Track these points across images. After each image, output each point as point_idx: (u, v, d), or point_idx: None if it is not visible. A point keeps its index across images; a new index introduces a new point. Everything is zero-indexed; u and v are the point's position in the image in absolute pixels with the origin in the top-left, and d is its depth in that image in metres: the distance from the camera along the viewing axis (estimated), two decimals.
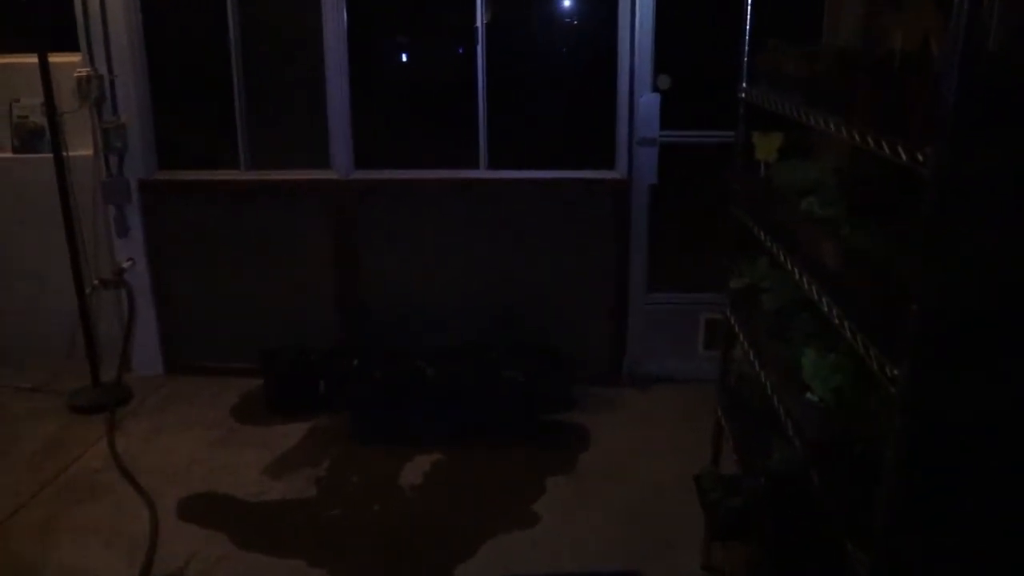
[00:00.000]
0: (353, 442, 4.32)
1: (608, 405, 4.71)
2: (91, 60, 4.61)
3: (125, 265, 4.87)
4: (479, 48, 4.56)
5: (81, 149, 4.72)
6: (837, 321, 1.93)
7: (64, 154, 4.55)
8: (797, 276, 2.23)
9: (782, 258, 2.39)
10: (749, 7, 2.94)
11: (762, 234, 2.62)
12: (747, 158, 2.96)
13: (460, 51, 4.75)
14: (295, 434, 4.41)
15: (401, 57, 5.03)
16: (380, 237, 4.83)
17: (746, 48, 3.00)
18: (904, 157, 1.63)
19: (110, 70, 4.63)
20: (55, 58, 4.46)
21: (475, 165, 4.72)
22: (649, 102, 4.51)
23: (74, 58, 4.66)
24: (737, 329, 2.96)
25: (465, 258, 4.82)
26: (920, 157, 1.56)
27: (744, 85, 3.02)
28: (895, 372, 1.63)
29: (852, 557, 1.83)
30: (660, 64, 4.53)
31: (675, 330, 4.84)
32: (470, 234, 4.79)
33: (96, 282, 4.84)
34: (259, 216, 4.87)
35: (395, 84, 4.98)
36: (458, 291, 4.84)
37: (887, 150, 1.70)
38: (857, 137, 1.86)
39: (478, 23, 4.54)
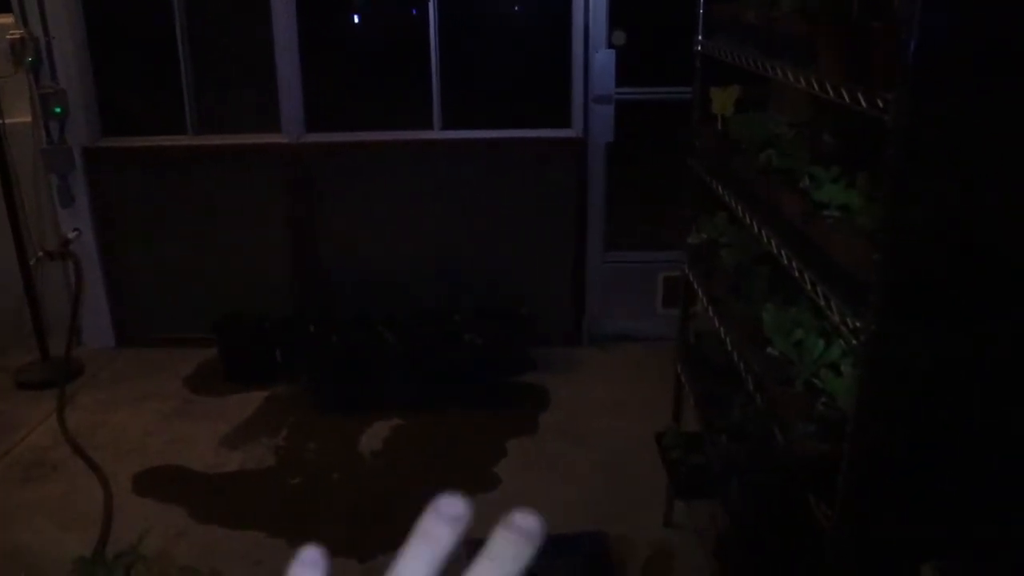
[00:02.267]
0: (311, 410, 4.27)
1: (568, 365, 4.70)
2: (24, 21, 4.41)
3: (71, 236, 4.72)
4: (431, 6, 4.45)
5: (19, 115, 4.54)
6: (798, 274, 1.90)
7: (0, 121, 4.37)
8: (756, 230, 2.20)
9: (741, 212, 2.36)
10: None
11: (720, 188, 2.58)
12: (704, 113, 2.92)
13: (414, 12, 4.63)
14: (252, 404, 4.33)
15: (353, 18, 4.90)
16: (335, 201, 4.73)
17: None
18: (865, 104, 1.60)
19: (45, 32, 4.44)
20: None
21: (429, 126, 4.63)
22: (604, 59, 4.44)
23: (6, 19, 4.46)
24: (696, 285, 2.93)
25: (422, 220, 4.75)
26: (881, 103, 1.52)
27: (700, 38, 2.96)
28: (857, 324, 1.61)
29: (816, 511, 1.82)
30: (615, 20, 4.46)
31: (634, 289, 4.83)
32: (426, 195, 4.72)
33: (40, 254, 4.68)
34: (209, 182, 4.74)
35: (347, 46, 4.87)
36: (416, 254, 4.77)
37: (847, 98, 1.66)
38: (816, 86, 1.83)
39: None
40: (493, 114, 4.69)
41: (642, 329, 4.81)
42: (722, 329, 2.55)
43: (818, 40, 1.86)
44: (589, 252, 4.76)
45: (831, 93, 1.74)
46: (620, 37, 4.47)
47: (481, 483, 3.68)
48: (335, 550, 3.22)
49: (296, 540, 3.28)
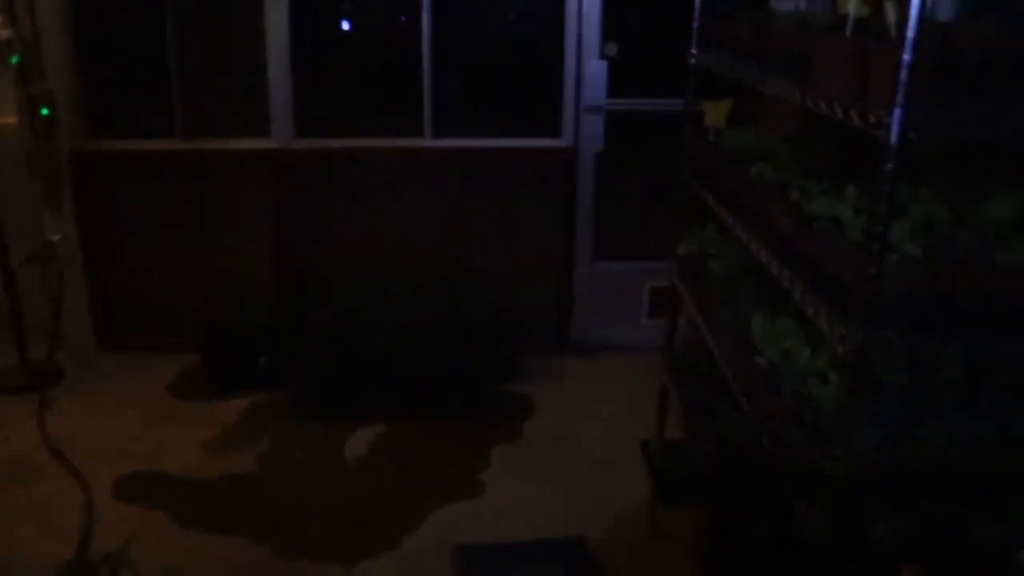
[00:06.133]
0: (296, 417, 4.25)
1: (554, 374, 4.71)
2: (13, 20, 4.38)
3: (55, 239, 4.68)
4: (424, 14, 4.46)
5: (5, 116, 4.51)
6: (787, 284, 1.93)
7: None
8: (746, 240, 2.23)
9: (731, 224, 2.39)
10: None
11: (711, 200, 2.61)
12: (696, 125, 2.95)
13: (403, 19, 4.65)
14: (235, 410, 4.31)
15: (344, 25, 4.91)
16: (323, 207, 4.73)
17: (697, 15, 2.99)
18: (861, 121, 1.63)
19: (34, 32, 4.41)
20: None
21: (420, 134, 4.64)
22: (596, 69, 4.48)
23: None
24: (684, 295, 2.96)
25: (411, 228, 4.75)
26: (874, 120, 1.55)
27: (695, 52, 3.00)
28: (843, 332, 1.64)
29: (801, 518, 1.84)
30: (608, 31, 4.49)
31: (621, 298, 4.85)
32: (416, 203, 4.72)
33: (23, 257, 4.64)
34: (197, 187, 4.72)
35: (339, 52, 4.87)
36: (404, 261, 4.76)
37: (843, 114, 1.69)
38: (812, 102, 1.86)
39: None
40: (484, 122, 4.71)
41: (628, 338, 4.83)
42: (710, 338, 2.57)
43: (814, 57, 1.90)
44: (577, 261, 4.78)
45: (826, 109, 1.78)
46: (612, 48, 4.51)
47: (466, 489, 3.68)
48: (320, 556, 3.22)
49: (281, 546, 3.29)
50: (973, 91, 1.65)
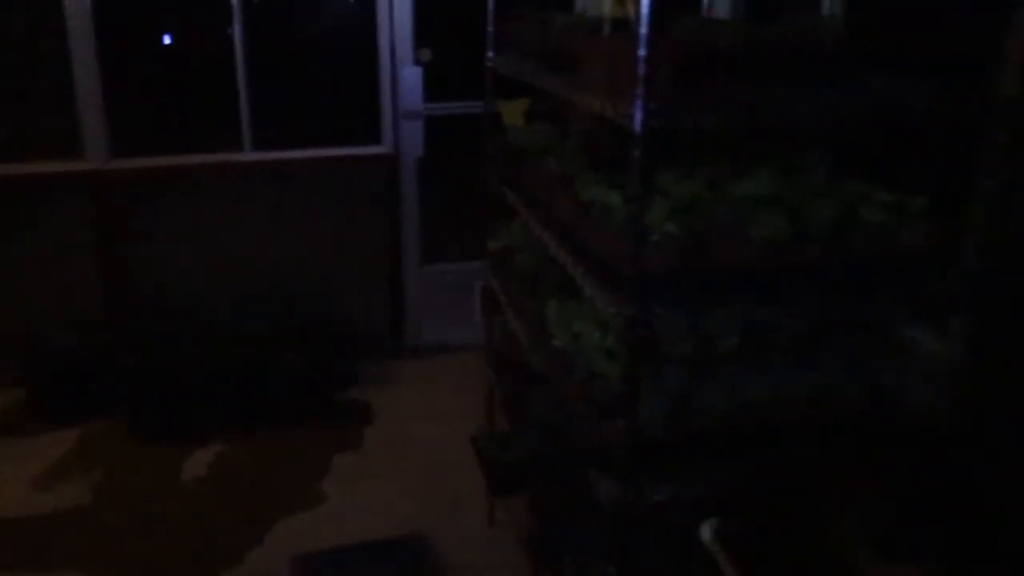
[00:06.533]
0: (130, 443, 4.13)
1: (391, 378, 4.76)
2: None
3: None
4: (236, 26, 4.42)
5: None
6: (570, 269, 2.05)
7: None
8: (538, 232, 2.35)
9: (527, 217, 2.51)
10: None
11: (511, 196, 2.73)
12: (497, 125, 3.06)
13: (230, 31, 4.58)
14: (66, 441, 4.14)
15: (163, 39, 4.79)
16: (147, 227, 4.60)
17: (491, 18, 3.10)
18: (615, 114, 1.76)
19: None
20: None
21: (240, 148, 4.59)
22: (411, 75, 4.55)
23: None
24: (497, 290, 3.07)
25: (239, 242, 4.69)
26: (624, 112, 1.69)
27: (490, 54, 3.11)
28: (614, 310, 1.77)
29: (595, 484, 1.97)
30: (421, 37, 4.58)
31: (452, 300, 4.94)
32: (241, 217, 4.66)
33: None
34: (9, 213, 4.48)
35: (157, 66, 4.75)
36: (235, 277, 4.69)
37: (600, 108, 1.82)
38: (577, 99, 1.99)
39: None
40: (305, 133, 4.70)
41: (462, 339, 4.92)
42: (519, 329, 2.69)
43: (579, 56, 2.03)
44: (406, 265, 4.84)
45: (589, 103, 1.90)
46: (426, 54, 4.60)
47: (308, 499, 3.68)
48: None
49: (118, 574, 3.19)
50: (715, 83, 1.82)
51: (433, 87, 4.65)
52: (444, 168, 4.84)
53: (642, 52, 1.60)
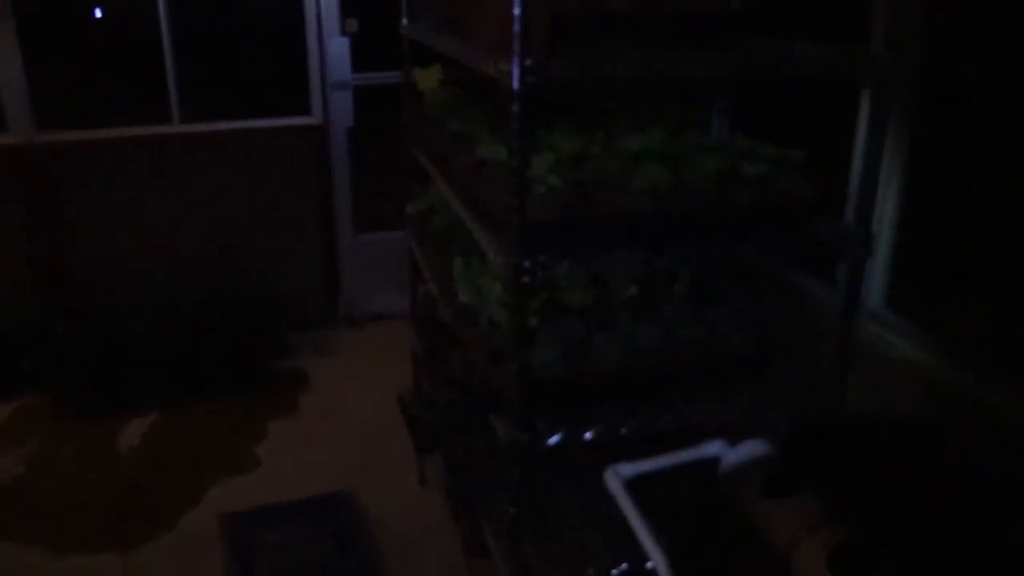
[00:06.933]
0: (64, 417, 4.15)
1: (326, 347, 4.82)
2: None
3: None
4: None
5: None
6: (470, 225, 2.14)
7: None
8: (444, 191, 2.42)
9: (436, 177, 2.58)
10: None
11: (422, 158, 2.80)
12: (413, 91, 3.12)
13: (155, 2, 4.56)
14: None
15: (95, 13, 4.76)
16: (76, 202, 4.58)
17: None
18: (495, 72, 1.84)
19: None
20: None
21: (169, 120, 4.60)
22: (338, 46, 4.58)
23: None
24: (416, 252, 3.15)
25: (172, 215, 4.69)
26: (502, 69, 1.77)
27: (404, 22, 3.17)
28: (502, 260, 1.86)
29: (496, 428, 2.06)
30: (347, 8, 4.60)
31: (385, 268, 4.99)
32: (171, 190, 4.67)
33: None
34: None
35: (81, 40, 4.72)
36: (166, 249, 4.71)
37: (485, 67, 1.90)
38: (467, 59, 2.06)
39: None
40: (234, 105, 4.72)
41: (396, 306, 4.97)
42: (434, 289, 2.77)
43: (468, 17, 2.10)
44: (339, 235, 4.89)
45: (477, 63, 1.98)
46: (352, 24, 4.62)
47: (242, 464, 3.75)
48: (93, 548, 3.19)
49: (52, 543, 3.24)
50: (597, 42, 1.90)
51: (361, 58, 4.68)
52: (376, 138, 4.88)
53: (517, 11, 1.67)
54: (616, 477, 2.13)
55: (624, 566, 2.18)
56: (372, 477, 3.64)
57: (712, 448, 2.17)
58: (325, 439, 3.95)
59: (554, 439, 2.06)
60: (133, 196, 4.64)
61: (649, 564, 1.92)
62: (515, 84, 1.72)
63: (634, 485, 2.12)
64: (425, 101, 2.90)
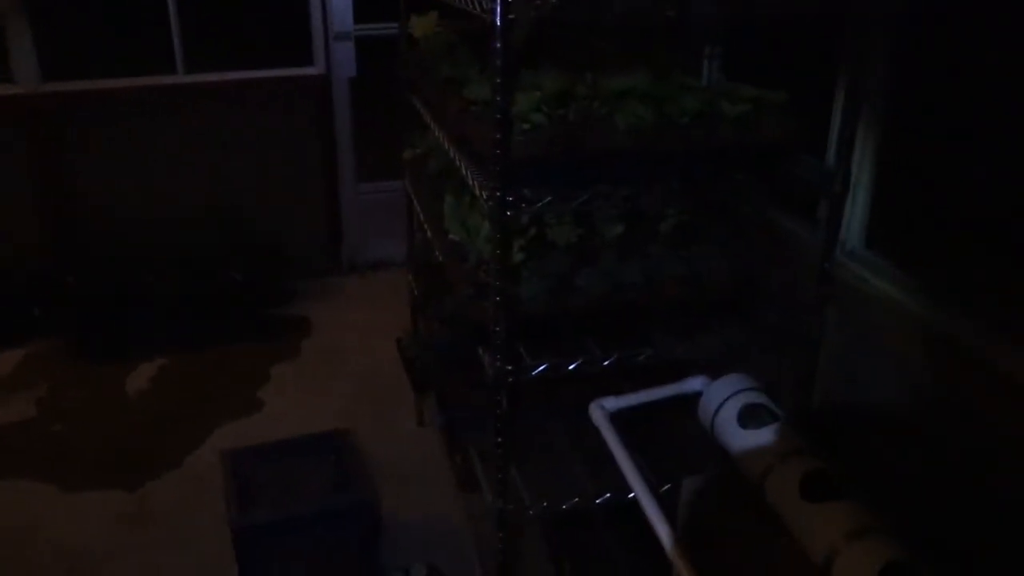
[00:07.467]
0: (74, 362, 4.27)
1: (329, 294, 4.91)
2: None
3: None
4: None
5: None
6: (458, 164, 2.20)
7: None
8: (436, 133, 2.48)
9: (429, 120, 2.64)
10: None
11: (417, 102, 2.85)
12: (410, 39, 3.16)
13: None
14: (9, 361, 4.28)
15: None
16: (83, 150, 4.66)
17: None
18: (479, 9, 1.89)
19: None
20: None
21: (174, 70, 4.64)
22: None
23: None
24: (412, 196, 3.21)
25: (177, 164, 4.76)
26: (486, 6, 1.81)
27: None
28: (484, 194, 1.92)
29: (482, 359, 2.14)
30: None
31: (388, 216, 5.02)
32: (177, 139, 4.73)
33: None
34: None
35: None
36: (173, 198, 4.79)
37: (469, 6, 1.95)
38: None
39: None
40: (238, 55, 4.75)
41: (398, 254, 5.04)
42: (429, 231, 2.83)
43: None
44: (342, 184, 4.96)
45: (461, 2, 2.03)
46: None
47: (246, 407, 3.86)
48: (104, 484, 3.31)
49: (67, 481, 3.36)
50: None
51: (365, 8, 4.70)
52: (379, 90, 4.91)
53: None
54: (601, 410, 2.20)
55: (608, 495, 2.27)
56: (371, 418, 3.73)
57: (694, 383, 2.23)
58: (326, 382, 4.05)
59: (538, 369, 2.13)
60: (139, 145, 4.71)
61: (631, 494, 1.99)
62: (497, 20, 1.77)
63: (618, 418, 2.20)
64: (421, 48, 2.95)
